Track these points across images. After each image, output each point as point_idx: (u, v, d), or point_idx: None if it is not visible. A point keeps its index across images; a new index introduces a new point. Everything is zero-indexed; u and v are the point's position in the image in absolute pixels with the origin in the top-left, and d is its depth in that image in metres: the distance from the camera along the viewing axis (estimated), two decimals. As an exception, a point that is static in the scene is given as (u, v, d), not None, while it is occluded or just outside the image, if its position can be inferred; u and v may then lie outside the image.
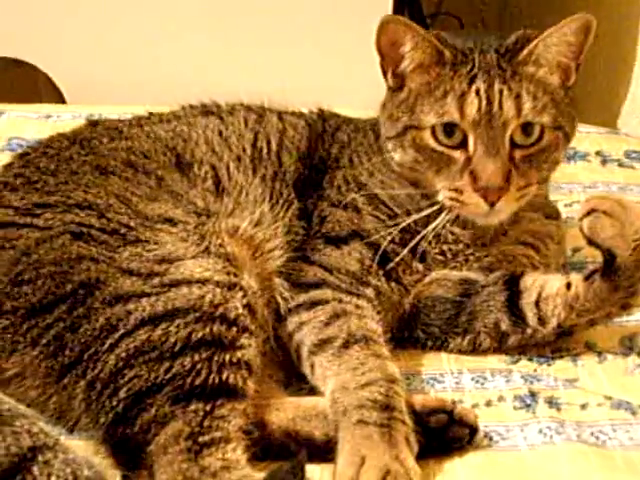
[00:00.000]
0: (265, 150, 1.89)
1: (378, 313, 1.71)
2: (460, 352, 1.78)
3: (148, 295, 1.50)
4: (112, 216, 1.62)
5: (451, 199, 1.73)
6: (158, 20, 3.20)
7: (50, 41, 3.19)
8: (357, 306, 1.68)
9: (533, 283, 1.75)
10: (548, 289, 1.73)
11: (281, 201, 1.81)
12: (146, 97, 2.31)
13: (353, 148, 1.92)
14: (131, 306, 1.49)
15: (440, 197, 1.75)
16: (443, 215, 1.75)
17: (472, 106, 1.70)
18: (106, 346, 1.46)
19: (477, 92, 1.70)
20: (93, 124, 1.98)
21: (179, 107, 2.03)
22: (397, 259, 1.77)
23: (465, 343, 1.77)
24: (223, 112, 1.99)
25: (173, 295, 1.50)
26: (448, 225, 1.77)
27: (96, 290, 1.51)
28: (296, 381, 1.68)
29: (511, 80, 1.72)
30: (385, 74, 1.81)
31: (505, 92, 1.71)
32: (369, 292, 1.74)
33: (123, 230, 1.60)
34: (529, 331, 1.74)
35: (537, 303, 1.72)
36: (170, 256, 1.57)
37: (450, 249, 1.81)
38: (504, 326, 1.75)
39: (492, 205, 1.69)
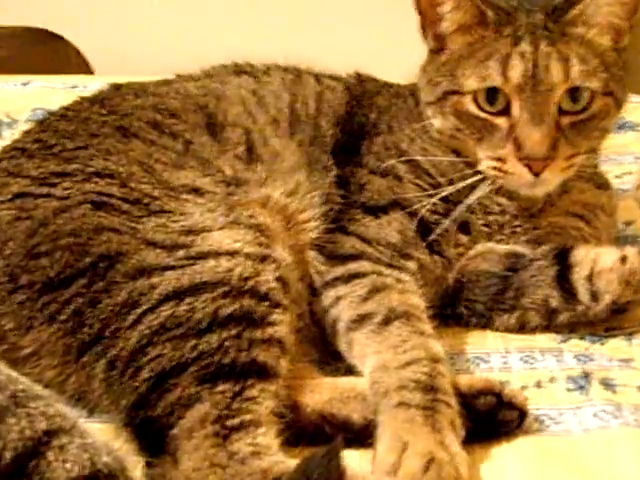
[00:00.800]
0: (303, 113, 1.79)
1: (420, 287, 1.61)
2: (507, 330, 1.67)
3: (173, 268, 1.42)
4: (135, 185, 1.53)
5: (494, 169, 1.63)
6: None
7: (79, 14, 3.13)
8: (398, 280, 1.58)
9: (585, 256, 1.63)
10: (602, 263, 1.61)
11: (319, 168, 1.71)
12: (175, 69, 2.19)
13: (393, 113, 1.81)
14: (155, 280, 1.40)
15: (482, 166, 1.65)
16: (486, 185, 1.64)
17: (516, 69, 1.59)
18: (128, 322, 1.38)
19: (522, 55, 1.60)
20: (117, 87, 1.87)
21: (209, 67, 1.92)
22: (439, 230, 1.66)
23: (512, 320, 1.66)
24: (258, 72, 1.89)
25: (200, 268, 1.41)
26: (493, 195, 1.66)
27: (117, 263, 1.43)
28: (332, 360, 1.58)
29: (559, 41, 1.61)
30: (425, 35, 1.71)
31: (552, 54, 1.60)
32: (411, 265, 1.64)
33: (146, 200, 1.51)
34: (581, 308, 1.62)
35: (590, 278, 1.61)
36: (197, 227, 1.48)
37: (496, 220, 1.70)
38: (554, 302, 1.63)
39: (537, 175, 1.59)
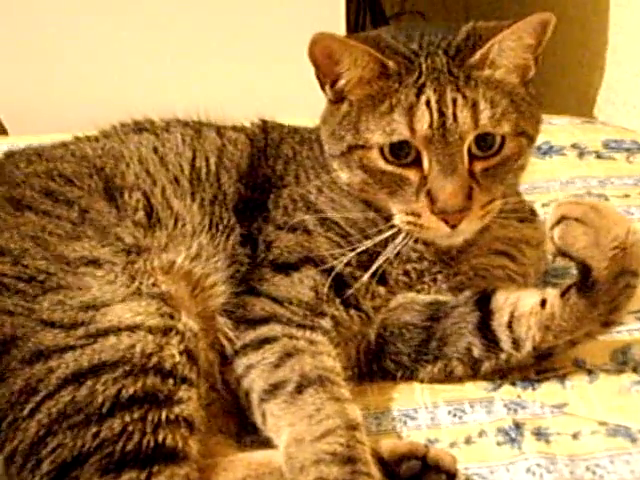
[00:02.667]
0: (204, 170, 1.69)
1: (337, 346, 1.53)
2: (432, 381, 1.59)
3: (72, 348, 1.34)
4: (28, 262, 1.45)
5: (408, 223, 1.55)
6: (97, 43, 3.06)
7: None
8: (311, 341, 1.50)
9: (505, 301, 1.56)
10: (521, 307, 1.54)
11: (221, 228, 1.62)
12: (90, 123, 2.10)
13: (299, 163, 1.72)
14: (53, 363, 1.33)
15: (396, 221, 1.56)
16: (401, 238, 1.56)
17: (423, 120, 1.50)
18: (26, 412, 1.30)
19: (427, 103, 1.50)
20: (10, 154, 1.77)
21: (109, 126, 1.83)
22: (356, 285, 1.57)
23: (436, 371, 1.58)
24: (158, 128, 1.78)
25: (100, 347, 1.34)
26: (410, 243, 1.58)
27: (13, 348, 1.34)
28: (252, 429, 1.49)
29: (465, 86, 1.52)
30: (322, 86, 1.62)
31: (459, 101, 1.50)
32: (325, 323, 1.55)
33: (42, 276, 1.43)
34: (503, 356, 1.55)
35: (510, 324, 1.54)
36: (96, 302, 1.40)
37: (414, 268, 1.62)
38: (477, 351, 1.56)
39: (454, 227, 1.51)
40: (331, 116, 1.62)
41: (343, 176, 1.61)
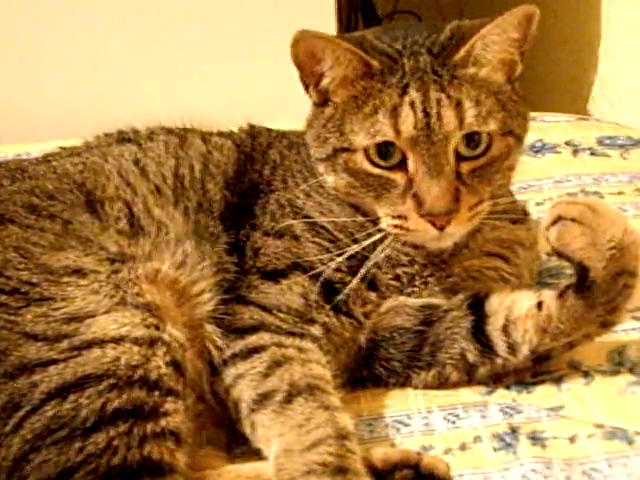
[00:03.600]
0: (188, 178, 1.66)
1: (327, 353, 1.50)
2: (427, 388, 1.56)
3: (56, 362, 1.32)
4: (11, 273, 1.42)
5: (395, 226, 1.52)
6: (87, 49, 3.02)
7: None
8: (300, 349, 1.47)
9: (500, 304, 1.53)
10: (517, 310, 1.51)
11: (207, 236, 1.59)
12: (80, 130, 2.07)
13: (286, 167, 1.70)
14: (36, 377, 1.30)
15: (383, 224, 1.54)
16: (388, 242, 1.54)
17: (407, 121, 1.47)
18: (9, 427, 1.28)
19: (411, 104, 1.48)
20: None
21: (93, 137, 1.81)
22: (346, 290, 1.54)
23: (430, 378, 1.55)
24: (141, 138, 1.75)
25: (84, 359, 1.31)
26: (399, 246, 1.55)
27: None
28: (242, 440, 1.46)
29: (449, 86, 1.49)
30: (307, 88, 1.59)
31: (443, 100, 1.48)
32: (315, 330, 1.52)
33: (25, 288, 1.40)
34: (499, 361, 1.52)
35: (505, 328, 1.51)
36: (80, 313, 1.37)
37: (405, 272, 1.59)
38: (471, 357, 1.53)
39: (441, 229, 1.49)
40: (316, 119, 1.60)
41: (329, 180, 1.58)
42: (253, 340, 1.48)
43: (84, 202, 1.58)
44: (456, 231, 1.51)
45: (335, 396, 1.40)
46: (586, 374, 1.56)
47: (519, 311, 1.50)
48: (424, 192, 1.47)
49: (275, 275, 1.56)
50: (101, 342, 1.33)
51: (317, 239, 1.58)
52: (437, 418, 1.50)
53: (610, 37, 2.90)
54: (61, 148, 1.80)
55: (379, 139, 1.49)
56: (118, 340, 1.33)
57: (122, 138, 1.77)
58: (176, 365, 1.35)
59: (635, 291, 1.46)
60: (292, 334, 1.49)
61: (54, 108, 3.01)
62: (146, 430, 1.26)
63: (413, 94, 1.48)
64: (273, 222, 1.61)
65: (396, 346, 1.56)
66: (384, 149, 1.50)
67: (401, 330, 1.57)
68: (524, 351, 1.49)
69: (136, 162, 1.68)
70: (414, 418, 1.51)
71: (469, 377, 1.54)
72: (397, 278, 1.59)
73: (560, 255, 1.45)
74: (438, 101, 1.48)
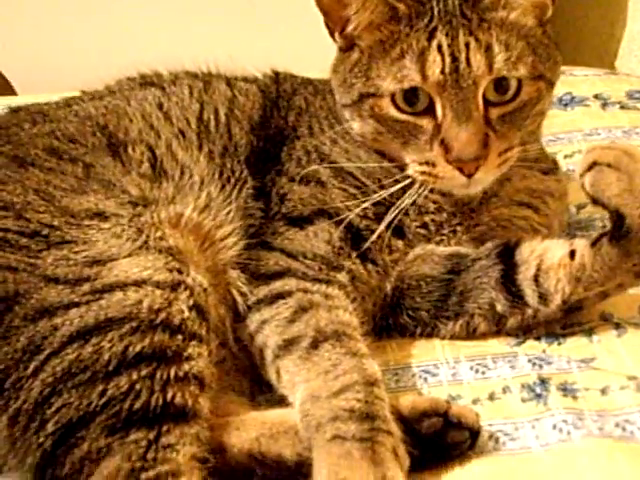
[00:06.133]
0: (213, 122, 1.64)
1: (353, 301, 1.47)
2: (454, 338, 1.53)
3: (77, 305, 1.29)
4: (32, 215, 1.40)
5: (422, 173, 1.49)
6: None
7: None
8: (327, 295, 1.44)
9: (531, 253, 1.49)
10: (548, 260, 1.47)
11: (232, 180, 1.56)
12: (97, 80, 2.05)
13: (312, 114, 1.67)
14: (57, 320, 1.28)
15: (410, 171, 1.51)
16: (415, 188, 1.50)
17: (435, 65, 1.44)
18: (30, 370, 1.26)
19: (439, 48, 1.45)
20: (15, 110, 1.72)
21: (115, 81, 1.78)
22: (372, 237, 1.51)
23: (457, 328, 1.52)
24: (165, 82, 1.73)
25: (105, 303, 1.29)
26: (427, 193, 1.51)
27: (16, 305, 1.30)
28: (266, 388, 1.44)
29: (478, 29, 1.46)
30: (332, 33, 1.56)
31: (472, 44, 1.45)
32: (341, 277, 1.49)
33: (45, 231, 1.38)
34: (530, 311, 1.48)
35: (536, 278, 1.47)
36: (102, 256, 1.35)
37: (433, 220, 1.56)
38: (500, 307, 1.49)
39: (470, 176, 1.45)
40: (342, 64, 1.57)
41: (355, 126, 1.56)
42: (278, 286, 1.46)
43: (106, 145, 1.56)
44: (485, 178, 1.48)
45: (362, 343, 1.37)
46: (618, 326, 1.52)
47: (551, 260, 1.46)
48: (452, 138, 1.43)
49: (301, 221, 1.54)
50: (123, 285, 1.31)
51: (343, 185, 1.56)
52: (465, 368, 1.48)
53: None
54: (82, 92, 1.77)
55: (406, 84, 1.46)
56: (140, 283, 1.31)
57: (145, 82, 1.74)
58: (199, 309, 1.32)
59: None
60: (318, 280, 1.47)
61: (74, 58, 2.99)
62: (169, 374, 1.24)
63: (441, 38, 1.45)
64: (299, 168, 1.59)
65: (423, 295, 1.53)
66: (411, 94, 1.47)
67: (428, 278, 1.53)
68: (557, 300, 1.46)
69: (160, 106, 1.65)
70: (441, 368, 1.49)
71: (498, 327, 1.51)
72: (424, 226, 1.56)
73: (595, 202, 1.41)
74: (467, 45, 1.45)
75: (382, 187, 1.53)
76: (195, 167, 1.55)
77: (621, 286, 1.46)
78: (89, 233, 1.38)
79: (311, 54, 2.00)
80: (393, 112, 1.49)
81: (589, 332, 1.52)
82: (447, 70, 1.44)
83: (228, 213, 1.51)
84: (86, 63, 2.83)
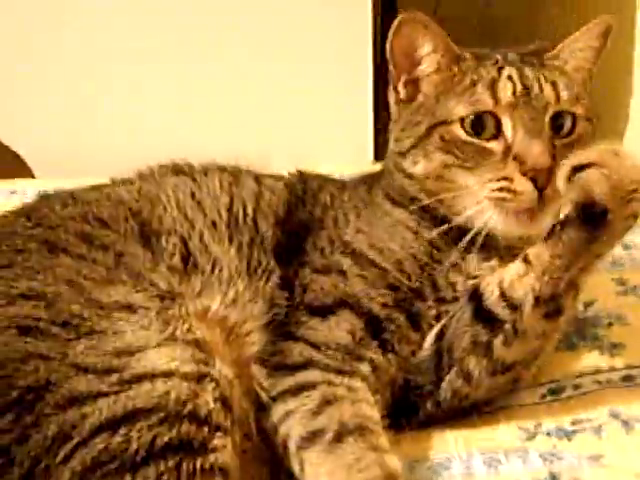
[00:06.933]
0: (241, 215, 1.69)
1: (375, 392, 1.51)
2: (455, 393, 1.57)
3: (106, 395, 1.33)
4: (62, 306, 1.43)
5: (500, 190, 1.54)
6: (127, 87, 3.08)
7: (17, 118, 3.03)
8: (350, 388, 1.48)
9: (492, 280, 1.55)
10: (508, 277, 1.52)
11: (259, 271, 1.62)
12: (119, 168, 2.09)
13: (338, 207, 1.73)
14: (87, 409, 1.31)
15: (484, 192, 1.56)
16: (490, 213, 1.56)
17: (506, 89, 1.57)
18: (59, 458, 1.28)
19: (509, 77, 1.59)
20: (45, 197, 1.77)
21: (146, 168, 1.82)
22: (392, 327, 1.57)
23: (454, 377, 1.56)
24: (196, 172, 1.78)
25: (134, 393, 1.33)
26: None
27: (47, 393, 1.33)
28: (286, 477, 1.47)
29: (542, 69, 1.62)
30: (395, 86, 1.68)
31: (541, 77, 1.59)
32: (364, 368, 1.53)
33: (76, 321, 1.41)
34: (508, 326, 1.52)
35: (503, 295, 1.52)
36: (130, 347, 1.39)
37: (447, 311, 1.61)
38: (482, 337, 1.54)
39: (541, 191, 1.51)
40: (403, 113, 1.67)
41: (419, 168, 1.63)
42: (303, 377, 1.50)
43: (139, 233, 1.61)
44: (551, 198, 1.52)
45: (384, 437, 1.41)
46: (625, 423, 1.56)
47: (510, 276, 1.52)
48: (525, 150, 1.52)
49: (323, 311, 1.58)
50: (151, 376, 1.34)
51: (364, 272, 1.60)
52: (478, 462, 1.51)
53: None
54: (111, 179, 1.82)
55: (478, 107, 1.57)
56: (168, 374, 1.34)
57: (177, 170, 1.79)
58: (224, 401, 1.36)
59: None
60: (342, 372, 1.50)
61: (92, 145, 3.05)
62: (195, 465, 1.27)
63: (510, 71, 1.59)
64: (322, 258, 1.64)
65: (422, 373, 1.58)
66: (479, 122, 1.57)
67: (424, 359, 1.59)
68: (529, 302, 1.49)
69: (192, 195, 1.70)
70: (454, 462, 1.52)
71: (489, 357, 1.54)
72: (438, 317, 1.61)
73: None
74: (535, 77, 1.59)
75: (402, 272, 1.59)
76: (226, 260, 1.60)
77: (584, 269, 1.49)
78: (118, 324, 1.41)
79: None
80: (463, 135, 1.58)
81: (597, 429, 1.56)
82: (518, 93, 1.56)
83: (254, 307, 1.56)
84: (106, 149, 2.92)
